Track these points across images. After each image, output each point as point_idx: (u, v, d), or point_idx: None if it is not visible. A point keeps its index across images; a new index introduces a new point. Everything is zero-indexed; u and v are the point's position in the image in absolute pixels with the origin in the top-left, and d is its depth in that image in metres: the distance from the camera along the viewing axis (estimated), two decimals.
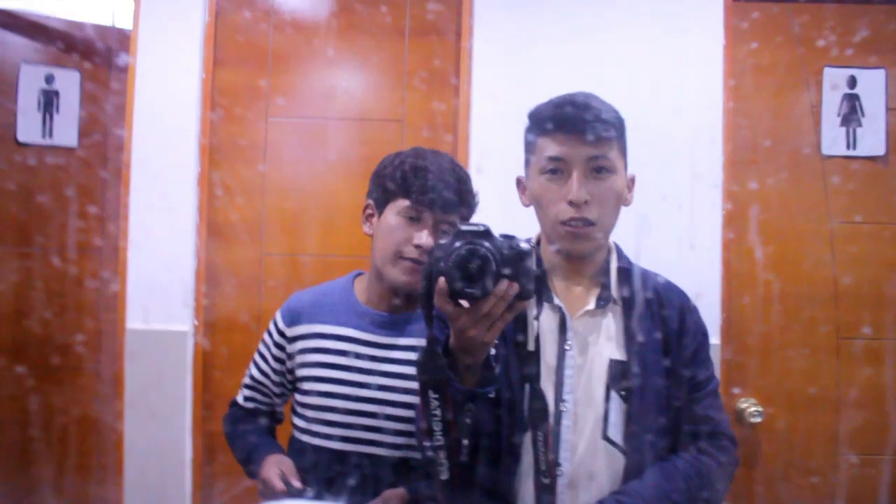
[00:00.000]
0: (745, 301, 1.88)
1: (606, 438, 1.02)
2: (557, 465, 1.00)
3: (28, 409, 2.02)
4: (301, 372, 1.24)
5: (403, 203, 1.17)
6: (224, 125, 2.02)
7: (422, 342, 1.18)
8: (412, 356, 1.19)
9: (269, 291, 1.97)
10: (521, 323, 1.00)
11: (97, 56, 2.12)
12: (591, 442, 1.02)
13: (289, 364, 1.26)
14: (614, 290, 1.08)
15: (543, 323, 1.05)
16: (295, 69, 2.01)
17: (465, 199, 1.20)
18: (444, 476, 0.91)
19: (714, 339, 1.82)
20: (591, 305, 1.07)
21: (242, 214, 2.01)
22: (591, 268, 1.09)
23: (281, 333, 1.27)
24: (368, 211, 1.24)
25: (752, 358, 1.90)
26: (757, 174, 1.90)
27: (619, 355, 1.04)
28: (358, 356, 1.21)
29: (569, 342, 1.04)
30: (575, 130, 1.02)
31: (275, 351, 1.27)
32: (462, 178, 1.20)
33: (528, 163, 1.10)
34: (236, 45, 2.03)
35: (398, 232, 1.17)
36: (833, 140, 1.89)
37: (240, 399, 1.32)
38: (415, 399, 1.16)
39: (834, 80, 1.88)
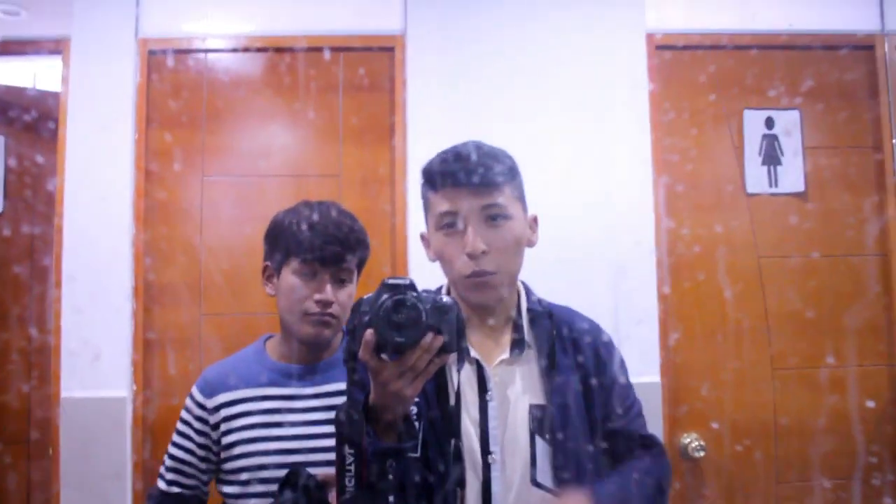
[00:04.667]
0: (682, 339, 1.93)
1: (536, 483, 1.01)
2: None
3: None
4: (228, 439, 1.22)
5: (297, 262, 1.20)
6: (158, 185, 1.99)
7: (340, 386, 1.21)
8: (334, 401, 1.21)
9: (209, 352, 1.94)
10: (441, 378, 1.00)
11: (22, 119, 2.07)
12: (522, 489, 1.02)
13: (214, 435, 1.24)
14: (527, 334, 1.08)
15: (462, 376, 1.05)
16: (229, 128, 2.01)
17: (356, 245, 1.21)
18: None
19: (654, 377, 1.88)
20: (506, 354, 1.07)
21: (181, 275, 1.97)
22: (501, 314, 1.10)
23: (201, 406, 1.25)
24: (268, 272, 1.27)
25: (692, 394, 1.94)
26: (690, 216, 1.97)
27: (539, 399, 1.05)
28: (282, 411, 1.22)
29: (490, 393, 1.04)
30: (462, 182, 1.02)
31: (197, 425, 1.25)
32: (349, 225, 1.21)
33: (426, 219, 1.11)
34: (169, 106, 2.01)
35: (298, 290, 1.20)
36: (756, 179, 1.97)
37: (162, 486, 1.27)
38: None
39: (753, 122, 1.97)
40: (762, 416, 1.94)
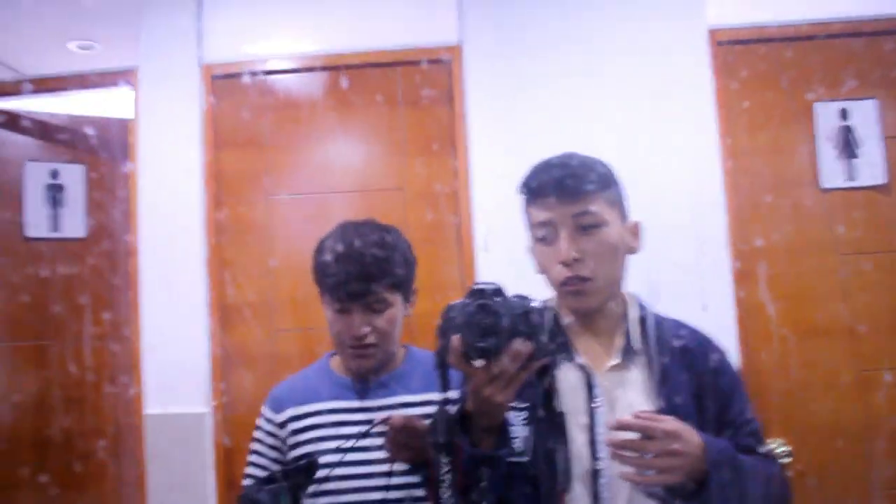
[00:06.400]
0: (760, 341, 1.87)
1: (650, 493, 1.00)
2: None
3: None
4: (296, 452, 1.25)
5: (328, 298, 1.22)
6: (228, 206, 2.05)
7: (403, 398, 1.23)
8: (399, 413, 1.22)
9: (284, 367, 1.97)
10: (549, 384, 0.99)
11: (101, 148, 2.17)
12: (630, 497, 1.01)
13: (284, 449, 1.27)
14: (636, 342, 1.08)
15: (570, 382, 1.05)
16: (294, 148, 2.05)
17: (381, 274, 1.19)
18: None
19: None
20: (616, 360, 1.07)
21: (253, 293, 2.02)
22: (609, 322, 1.10)
23: (270, 422, 1.29)
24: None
25: (773, 398, 1.88)
26: (763, 217, 1.91)
27: (649, 406, 1.04)
28: (347, 423, 1.23)
29: (597, 399, 1.04)
30: (555, 193, 1.04)
31: (269, 441, 1.28)
32: (374, 256, 1.18)
33: (528, 232, 1.13)
34: (234, 127, 2.07)
35: (335, 325, 1.22)
36: (832, 173, 1.90)
37: None
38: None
39: (826, 115, 1.90)
40: (849, 420, 1.86)
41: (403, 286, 1.25)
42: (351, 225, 1.24)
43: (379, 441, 1.19)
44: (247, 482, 1.29)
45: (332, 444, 1.22)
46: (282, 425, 1.27)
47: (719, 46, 1.93)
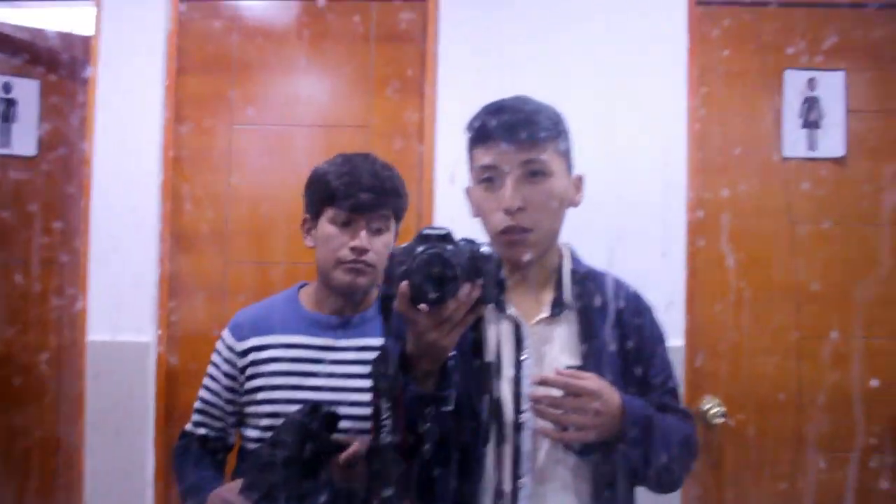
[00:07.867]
0: (712, 305, 1.89)
1: (566, 445, 1.00)
2: (518, 476, 0.99)
3: None
4: (253, 383, 1.23)
5: (333, 211, 1.21)
6: (188, 134, 1.99)
7: (373, 342, 1.21)
8: (365, 355, 1.21)
9: (235, 300, 1.94)
10: (478, 333, 0.98)
11: (58, 65, 2.08)
12: (551, 450, 1.01)
13: (240, 379, 1.25)
14: (568, 296, 1.06)
15: (500, 333, 1.04)
16: (260, 77, 2.00)
17: (391, 194, 1.22)
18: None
19: (678, 340, 1.84)
20: (546, 313, 1.05)
21: (208, 223, 1.98)
22: (542, 274, 1.08)
23: (230, 349, 1.26)
24: (307, 225, 1.28)
25: (719, 361, 1.90)
26: (723, 179, 1.92)
27: (575, 362, 1.03)
28: (311, 361, 1.22)
29: (525, 351, 1.03)
30: (505, 137, 1.00)
31: (225, 368, 1.26)
32: (385, 175, 1.22)
33: (469, 173, 1.09)
34: (200, 54, 2.00)
35: (334, 239, 1.21)
36: (794, 142, 1.91)
37: (189, 426, 1.30)
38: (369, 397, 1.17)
39: (795, 83, 1.91)
40: (786, 386, 1.89)
41: (400, 216, 1.26)
42: (354, 154, 1.25)
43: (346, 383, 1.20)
44: (198, 404, 1.29)
45: (290, 381, 1.20)
46: (242, 354, 1.24)
47: (697, 6, 1.92)
